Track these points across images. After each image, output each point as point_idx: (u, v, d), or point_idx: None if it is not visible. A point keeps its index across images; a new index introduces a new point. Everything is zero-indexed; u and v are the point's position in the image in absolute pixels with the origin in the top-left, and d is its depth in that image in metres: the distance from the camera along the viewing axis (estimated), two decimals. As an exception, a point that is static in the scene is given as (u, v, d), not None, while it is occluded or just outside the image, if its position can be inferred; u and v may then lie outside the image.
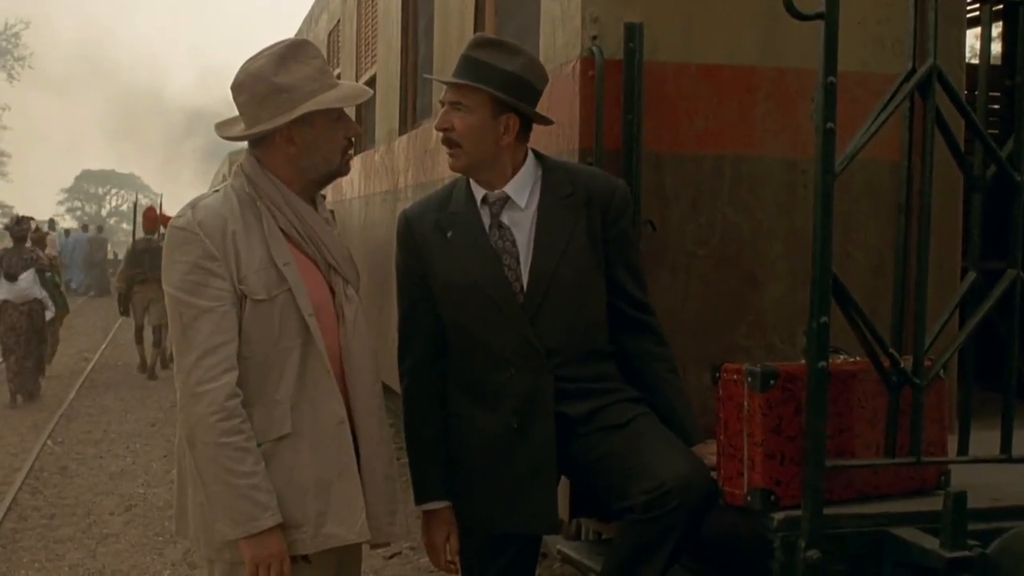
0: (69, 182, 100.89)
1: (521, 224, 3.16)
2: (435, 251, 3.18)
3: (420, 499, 3.25)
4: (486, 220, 3.17)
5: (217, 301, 2.75)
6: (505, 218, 3.17)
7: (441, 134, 3.18)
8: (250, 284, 2.78)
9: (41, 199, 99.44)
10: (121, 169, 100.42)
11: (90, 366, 16.21)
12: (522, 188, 3.18)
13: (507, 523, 3.18)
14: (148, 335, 15.21)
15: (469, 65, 3.12)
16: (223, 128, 3.00)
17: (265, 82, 2.84)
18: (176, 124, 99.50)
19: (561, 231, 3.14)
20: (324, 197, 3.09)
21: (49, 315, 13.07)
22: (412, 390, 3.26)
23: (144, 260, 14.40)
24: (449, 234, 3.17)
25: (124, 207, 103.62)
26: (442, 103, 3.18)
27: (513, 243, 3.15)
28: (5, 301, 12.58)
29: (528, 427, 3.10)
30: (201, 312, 2.74)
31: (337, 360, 2.92)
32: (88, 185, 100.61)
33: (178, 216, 2.84)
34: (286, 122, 2.83)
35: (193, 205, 2.85)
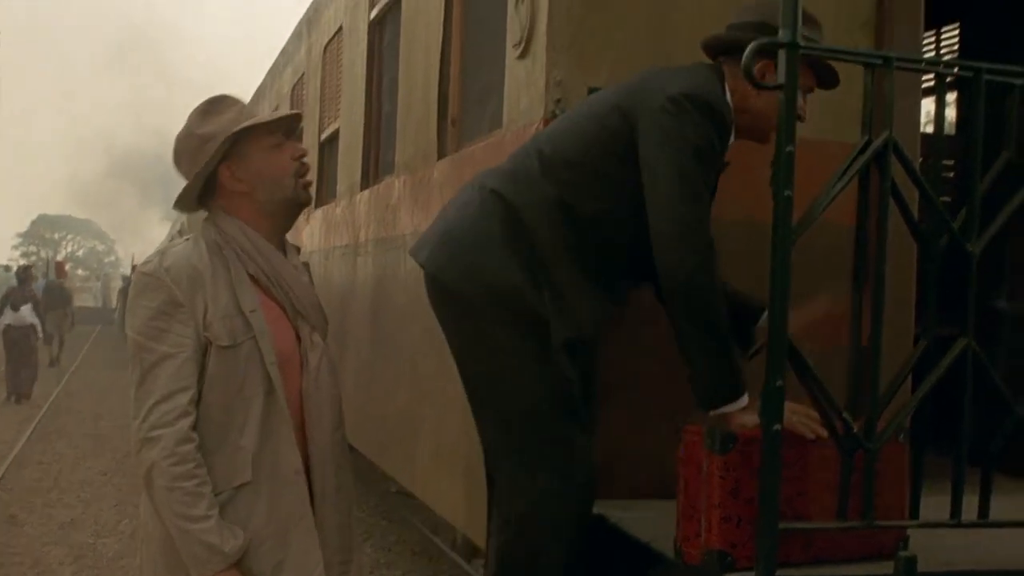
0: (25, 226, 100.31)
1: None
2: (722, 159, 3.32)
3: (740, 391, 3.10)
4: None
5: (177, 347, 2.76)
6: None
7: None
8: (215, 330, 2.79)
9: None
10: (78, 214, 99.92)
11: (41, 412, 16.03)
12: None
13: None
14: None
15: None
16: (179, 203, 3.03)
17: (192, 138, 2.90)
18: (116, 166, 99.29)
19: None
20: (298, 249, 3.10)
21: (39, 336, 18.76)
22: (712, 283, 3.14)
23: (55, 295, 23.93)
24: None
25: (80, 253, 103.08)
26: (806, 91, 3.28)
27: None
28: (8, 326, 17.76)
29: None
30: (161, 358, 2.75)
31: (297, 406, 2.92)
32: (44, 230, 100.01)
33: (145, 262, 2.86)
34: (216, 162, 2.87)
35: (162, 252, 2.87)
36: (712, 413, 3.09)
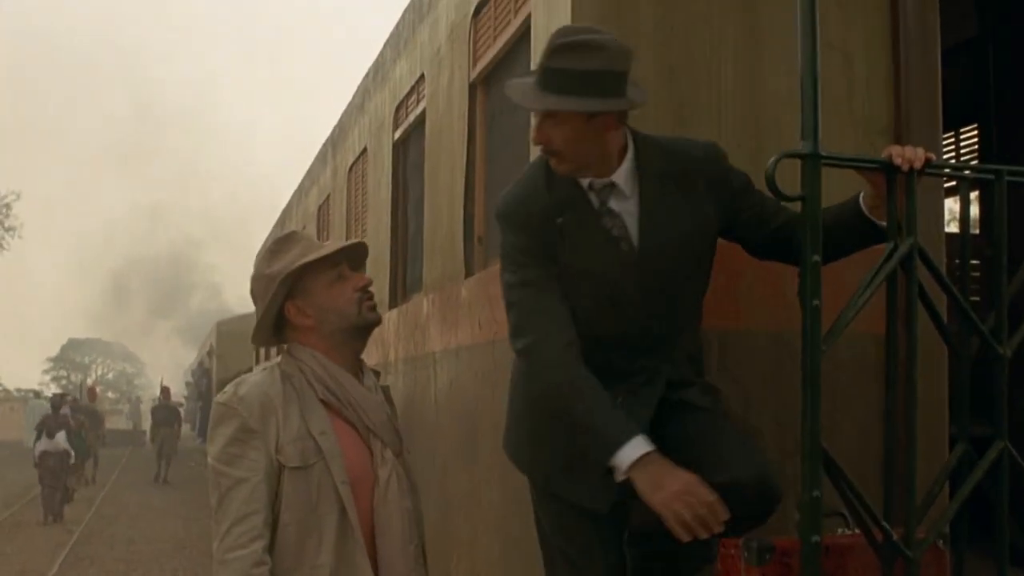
0: (55, 351, 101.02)
1: (628, 210, 3.18)
2: (551, 235, 3.15)
3: (621, 441, 2.96)
4: (595, 205, 3.18)
5: (251, 472, 2.88)
6: (613, 204, 3.18)
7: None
8: (286, 453, 2.91)
9: (26, 367, 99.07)
10: (107, 338, 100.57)
11: (74, 538, 15.99)
12: (627, 175, 3.19)
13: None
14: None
15: (550, 77, 3.05)
16: (255, 339, 3.18)
17: (262, 278, 3.06)
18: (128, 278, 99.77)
19: (667, 216, 3.17)
20: (378, 374, 3.20)
21: (71, 461, 19.86)
22: (546, 356, 3.13)
23: (93, 418, 25.46)
24: (560, 219, 3.15)
25: (110, 375, 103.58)
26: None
27: (625, 229, 3.17)
28: (44, 452, 19.07)
29: (631, 409, 3.10)
30: (236, 482, 2.88)
31: (368, 521, 2.99)
32: (74, 354, 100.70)
33: (222, 393, 3.01)
34: (280, 300, 3.02)
35: (238, 382, 3.03)
36: (620, 475, 2.95)
